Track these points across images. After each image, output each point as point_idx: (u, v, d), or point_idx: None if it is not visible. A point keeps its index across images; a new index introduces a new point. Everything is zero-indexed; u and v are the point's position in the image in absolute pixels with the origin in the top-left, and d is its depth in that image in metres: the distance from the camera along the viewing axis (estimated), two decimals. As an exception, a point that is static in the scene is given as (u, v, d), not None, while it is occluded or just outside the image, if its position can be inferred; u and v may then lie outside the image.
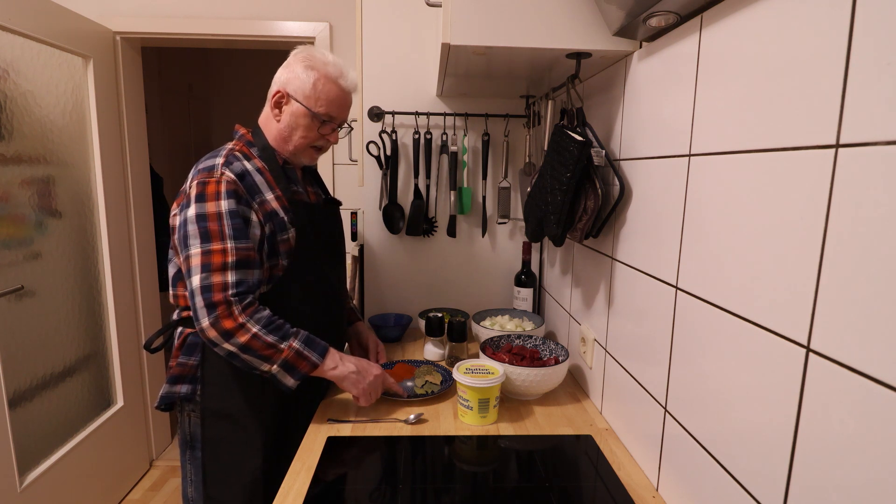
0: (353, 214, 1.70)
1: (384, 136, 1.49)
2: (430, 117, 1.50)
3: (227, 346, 0.91)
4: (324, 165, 2.19)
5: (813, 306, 0.48)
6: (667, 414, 0.77)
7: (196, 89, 3.65)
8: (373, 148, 1.52)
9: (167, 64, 3.24)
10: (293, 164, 1.11)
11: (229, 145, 1.05)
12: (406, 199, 1.57)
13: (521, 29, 0.85)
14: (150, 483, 2.26)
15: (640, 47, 0.88)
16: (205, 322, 0.90)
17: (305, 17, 2.11)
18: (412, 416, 1.02)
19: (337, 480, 0.84)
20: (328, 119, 1.05)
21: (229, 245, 0.91)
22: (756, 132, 0.57)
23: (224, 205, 0.93)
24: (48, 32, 1.70)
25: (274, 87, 1.05)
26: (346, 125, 1.13)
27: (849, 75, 0.45)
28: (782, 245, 0.52)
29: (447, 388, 1.14)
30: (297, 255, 1.04)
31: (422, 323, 1.42)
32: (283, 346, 0.93)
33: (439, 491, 0.81)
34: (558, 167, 0.95)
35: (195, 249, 0.91)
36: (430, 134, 1.50)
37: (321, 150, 1.10)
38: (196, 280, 0.90)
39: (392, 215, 1.55)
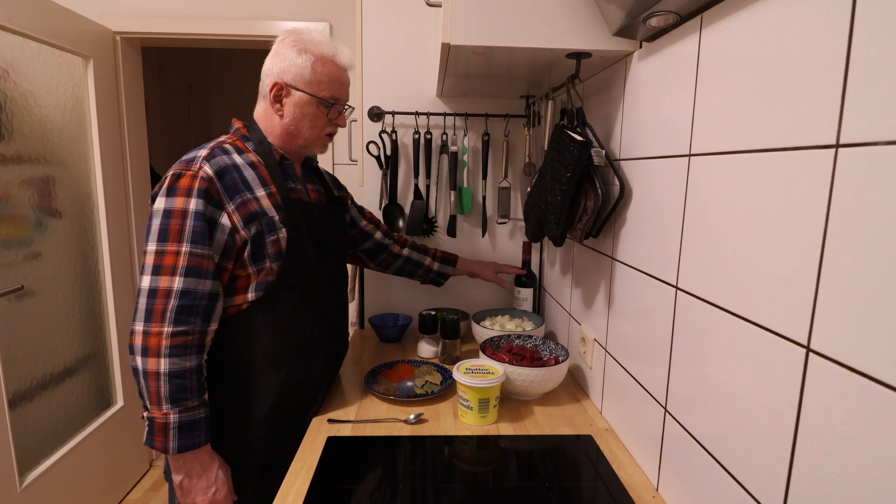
0: (353, 214, 1.70)
1: (384, 136, 1.49)
2: (430, 117, 1.50)
3: (136, 357, 0.85)
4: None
5: (813, 306, 0.48)
6: (667, 414, 0.77)
7: (196, 89, 3.65)
8: (373, 148, 1.52)
9: (167, 64, 3.24)
10: (291, 160, 1.05)
11: (221, 138, 1.00)
12: (406, 199, 1.57)
13: (521, 29, 0.85)
14: (150, 483, 2.26)
15: (640, 47, 0.88)
16: (138, 326, 0.86)
17: (305, 17, 2.11)
18: (412, 416, 1.02)
19: (337, 480, 0.84)
20: (334, 101, 1.01)
21: (184, 248, 0.87)
22: (756, 132, 0.57)
23: (192, 203, 0.88)
24: (48, 32, 1.69)
25: (268, 80, 0.98)
26: (348, 105, 1.08)
27: (849, 75, 0.45)
28: (782, 245, 0.52)
29: (447, 388, 1.14)
30: (289, 257, 0.97)
31: (422, 323, 1.42)
32: (164, 408, 0.85)
33: (439, 491, 0.81)
34: (558, 167, 0.95)
35: (151, 247, 0.88)
36: (430, 134, 1.50)
37: (331, 136, 1.06)
38: (146, 281, 0.87)
39: (392, 215, 1.54)
